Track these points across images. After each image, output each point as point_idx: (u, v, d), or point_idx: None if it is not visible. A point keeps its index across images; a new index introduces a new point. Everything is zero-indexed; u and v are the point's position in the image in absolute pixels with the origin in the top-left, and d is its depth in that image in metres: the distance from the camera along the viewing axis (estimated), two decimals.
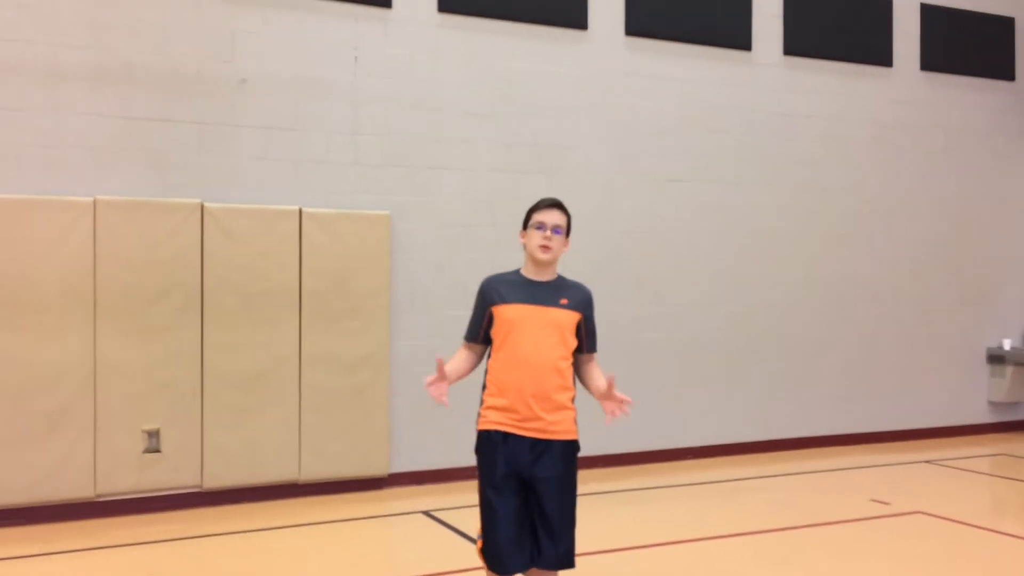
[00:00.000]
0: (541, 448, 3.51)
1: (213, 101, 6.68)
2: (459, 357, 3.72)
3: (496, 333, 3.59)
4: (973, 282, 9.76)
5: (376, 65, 7.18)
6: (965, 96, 9.70)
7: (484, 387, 3.65)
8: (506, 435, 3.52)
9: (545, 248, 3.55)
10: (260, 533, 5.90)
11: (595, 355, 3.75)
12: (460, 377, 3.69)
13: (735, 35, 8.54)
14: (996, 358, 9.72)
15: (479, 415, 3.63)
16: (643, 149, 8.16)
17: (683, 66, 8.32)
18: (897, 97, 9.33)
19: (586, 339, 3.67)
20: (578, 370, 3.72)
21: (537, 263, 3.60)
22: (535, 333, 3.50)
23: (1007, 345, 9.73)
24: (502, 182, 7.58)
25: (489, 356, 3.67)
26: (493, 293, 3.61)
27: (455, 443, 7.36)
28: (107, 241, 6.18)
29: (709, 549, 5.54)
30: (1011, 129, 9.98)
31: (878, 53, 9.21)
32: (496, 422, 3.54)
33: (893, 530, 5.97)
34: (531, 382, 3.48)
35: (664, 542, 5.60)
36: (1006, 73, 9.92)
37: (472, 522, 6.05)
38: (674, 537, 5.70)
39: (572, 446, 3.59)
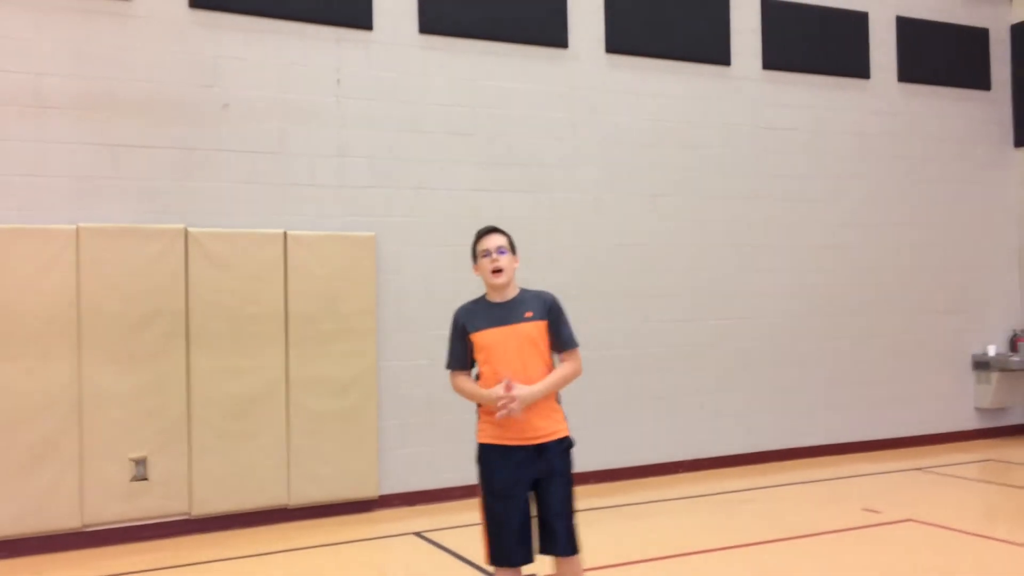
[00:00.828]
0: (537, 452, 3.76)
1: (196, 127, 6.68)
2: (466, 381, 3.92)
3: (478, 357, 3.85)
4: (957, 289, 9.84)
5: (359, 87, 7.20)
6: (943, 106, 9.82)
7: (478, 404, 3.90)
8: (503, 447, 3.76)
9: (497, 272, 3.82)
10: (251, 559, 5.84)
11: (574, 351, 3.92)
12: None
13: (714, 50, 8.62)
14: (981, 364, 9.79)
15: (478, 428, 3.89)
16: (626, 165, 8.21)
17: (663, 82, 8.39)
18: (876, 108, 9.44)
19: (555, 339, 3.88)
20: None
21: (495, 287, 3.86)
22: (511, 352, 3.76)
23: (992, 351, 9.80)
24: (487, 201, 7.60)
25: (478, 377, 3.90)
26: (466, 323, 3.87)
27: (445, 463, 7.34)
28: (91, 269, 6.15)
29: (703, 562, 5.52)
30: (989, 137, 10.10)
31: (856, 65, 9.32)
32: (493, 436, 3.80)
33: (885, 539, 5.98)
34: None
35: (658, 556, 5.58)
36: (982, 83, 10.05)
37: (464, 541, 6.05)
38: (668, 551, 5.69)
39: (565, 442, 3.85)
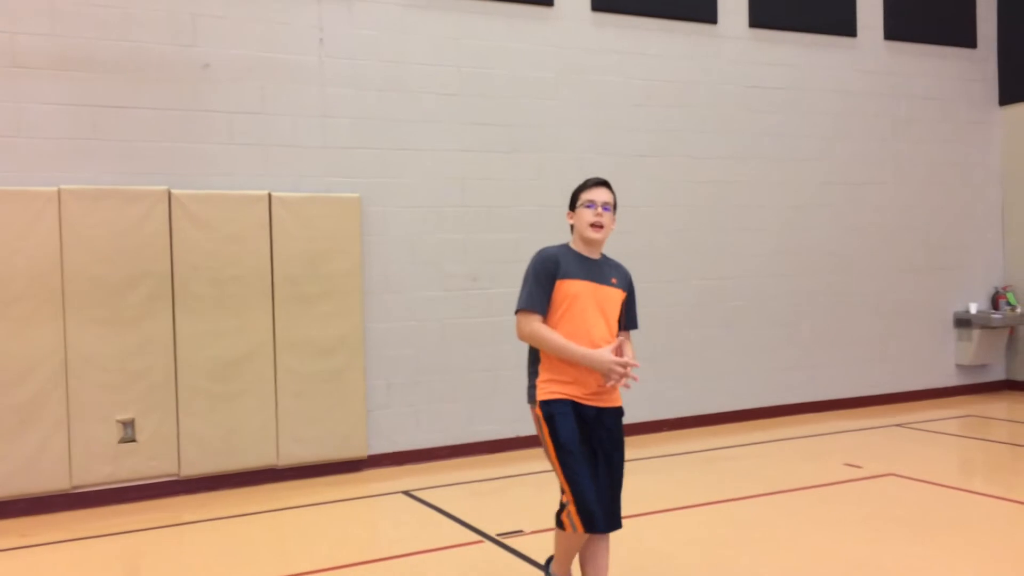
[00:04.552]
0: (599, 415, 3.57)
1: (176, 87, 6.60)
2: (550, 330, 3.55)
3: (555, 308, 3.57)
4: (939, 248, 9.91)
5: (342, 47, 7.12)
6: (929, 64, 9.80)
7: (536, 360, 3.66)
8: (576, 404, 3.54)
9: (597, 227, 3.59)
10: (240, 519, 5.90)
11: (631, 332, 3.80)
12: None
13: (700, 8, 8.55)
14: (963, 322, 9.90)
15: (535, 387, 3.63)
16: (612, 125, 8.18)
17: (649, 41, 8.33)
18: (862, 67, 9.41)
19: (626, 317, 3.73)
20: None
21: (589, 242, 3.64)
22: (590, 310, 3.55)
23: (973, 309, 9.90)
24: (472, 162, 7.57)
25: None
26: (559, 266, 3.57)
27: (432, 423, 7.40)
28: (73, 231, 6.11)
29: (688, 518, 5.62)
30: (974, 96, 10.10)
31: (842, 23, 9.28)
32: (562, 392, 3.54)
33: (866, 492, 6.08)
34: None
35: (644, 512, 5.66)
36: (968, 41, 10.03)
37: (451, 499, 6.12)
38: (653, 507, 5.77)
39: (622, 411, 3.71)
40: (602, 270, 3.65)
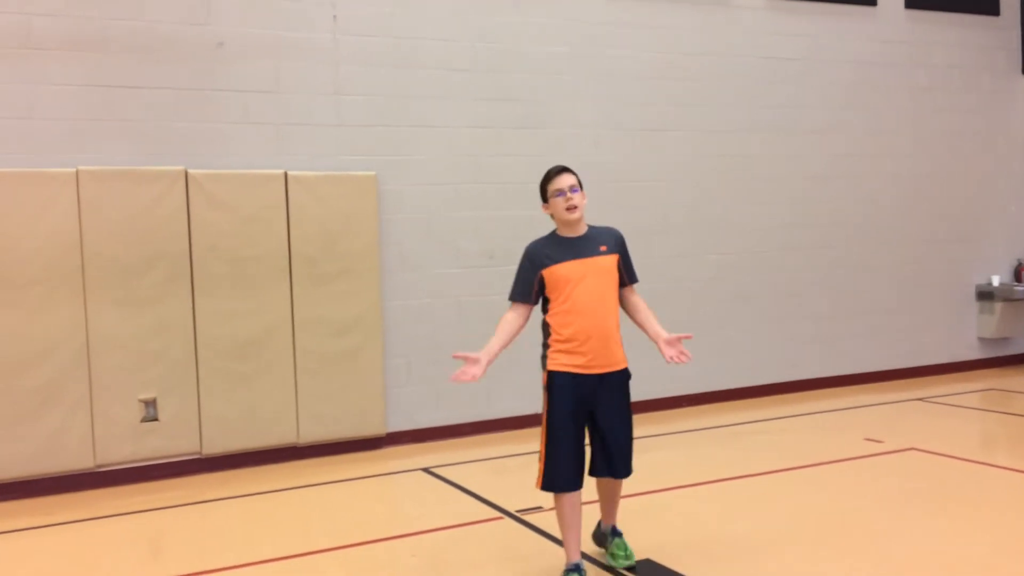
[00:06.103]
0: (600, 380, 4.00)
1: (191, 66, 6.58)
2: (506, 324, 4.06)
3: (553, 291, 4.01)
4: (960, 220, 9.79)
5: (355, 24, 7.08)
6: (950, 33, 9.63)
7: (547, 335, 4.08)
8: (574, 375, 3.97)
9: (572, 208, 4.00)
10: (261, 496, 5.94)
11: (635, 285, 4.28)
12: (509, 342, 4.07)
13: None
14: (985, 294, 9.79)
15: (546, 358, 4.06)
16: (626, 99, 8.10)
17: (663, 12, 8.23)
18: (881, 36, 9.26)
19: (625, 273, 4.16)
20: (622, 301, 4.21)
21: (569, 224, 4.05)
22: (589, 284, 3.96)
23: (995, 281, 9.79)
24: (487, 138, 7.53)
25: (546, 311, 4.10)
26: (542, 257, 4.01)
27: (451, 400, 7.41)
28: (91, 212, 6.12)
29: (709, 493, 5.61)
30: (996, 65, 9.93)
31: None
32: (565, 364, 3.98)
33: (887, 467, 6.05)
34: (594, 327, 3.96)
35: (666, 488, 5.66)
36: (991, 8, 9.85)
37: (472, 476, 6.14)
38: (675, 483, 5.77)
39: (626, 373, 4.14)
40: (588, 244, 4.04)
